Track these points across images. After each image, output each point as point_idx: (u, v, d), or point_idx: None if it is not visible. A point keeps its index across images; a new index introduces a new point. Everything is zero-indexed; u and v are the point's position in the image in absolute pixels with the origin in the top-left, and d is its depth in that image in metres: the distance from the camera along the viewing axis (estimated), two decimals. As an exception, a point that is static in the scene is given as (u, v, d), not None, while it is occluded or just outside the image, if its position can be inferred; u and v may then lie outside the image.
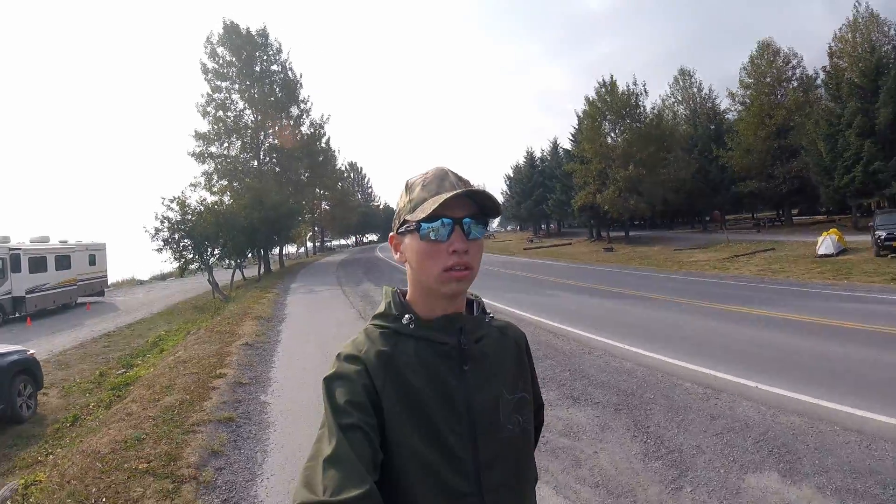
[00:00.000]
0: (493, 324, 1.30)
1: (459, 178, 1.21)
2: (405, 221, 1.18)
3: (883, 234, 21.07)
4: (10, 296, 20.50)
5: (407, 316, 1.19)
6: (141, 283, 39.59)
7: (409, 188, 1.22)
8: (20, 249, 21.38)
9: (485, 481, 1.13)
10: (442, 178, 1.19)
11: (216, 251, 25.22)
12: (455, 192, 1.11)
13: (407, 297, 1.25)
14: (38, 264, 22.28)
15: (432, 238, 1.13)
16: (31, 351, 9.23)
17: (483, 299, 1.33)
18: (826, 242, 23.33)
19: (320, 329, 12.11)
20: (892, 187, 30.29)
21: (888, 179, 30.26)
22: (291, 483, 4.50)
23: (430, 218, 1.12)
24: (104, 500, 4.30)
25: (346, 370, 1.11)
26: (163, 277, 42.00)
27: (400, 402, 1.10)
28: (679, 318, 10.93)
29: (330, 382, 1.11)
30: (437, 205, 1.09)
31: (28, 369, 8.79)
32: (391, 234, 1.27)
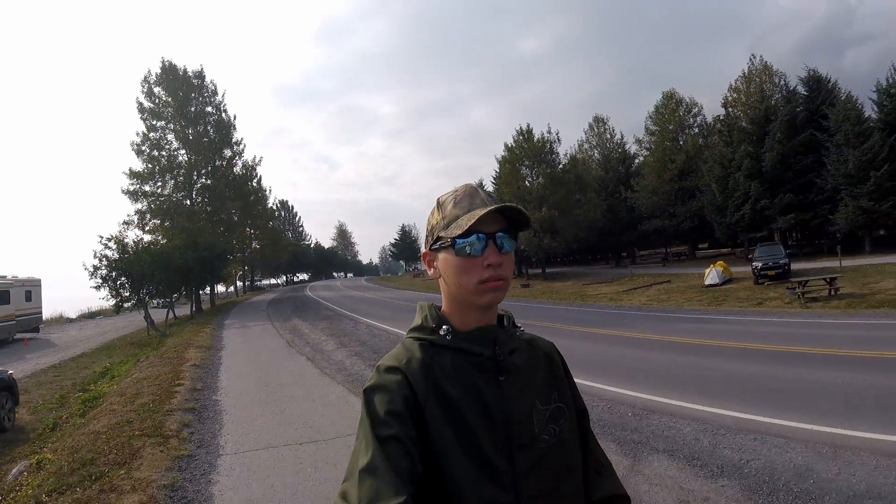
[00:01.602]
0: (522, 336, 1.35)
1: (489, 195, 1.28)
2: (439, 238, 1.24)
3: (759, 264, 24.60)
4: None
5: (444, 327, 1.24)
6: (70, 320, 40.08)
7: (441, 206, 1.27)
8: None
9: (523, 491, 1.17)
10: (472, 195, 1.25)
11: (152, 289, 27.06)
12: (489, 208, 1.17)
13: (442, 310, 1.30)
14: None
15: (468, 252, 1.18)
16: (10, 371, 11.38)
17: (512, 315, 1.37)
18: (712, 274, 26.87)
19: (255, 354, 14.75)
20: (778, 222, 34.93)
21: (774, 215, 34.97)
22: (240, 438, 7.12)
23: (466, 234, 1.17)
24: (114, 452, 6.76)
25: (387, 381, 1.14)
26: (91, 315, 42.53)
27: (441, 412, 1.14)
28: (569, 343, 13.35)
29: (370, 393, 1.13)
30: (473, 220, 1.15)
31: (8, 387, 10.80)
32: (423, 251, 1.34)
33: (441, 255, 1.24)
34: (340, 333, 17.49)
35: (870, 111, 34.29)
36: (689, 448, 5.82)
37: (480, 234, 1.17)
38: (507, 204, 1.18)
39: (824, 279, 19.67)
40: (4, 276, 26.65)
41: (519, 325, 1.36)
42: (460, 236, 1.17)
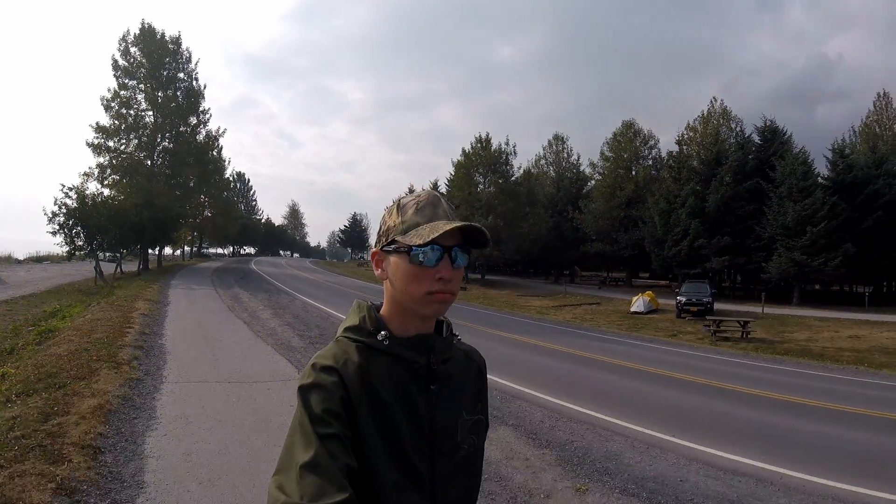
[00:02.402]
0: (459, 347, 1.39)
1: (450, 205, 1.30)
2: (394, 241, 1.23)
3: (683, 299, 26.53)
4: None
5: (382, 332, 1.23)
6: (18, 261, 40.44)
7: (401, 209, 1.26)
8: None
9: (439, 497, 1.22)
10: (435, 204, 1.26)
11: (104, 242, 28.16)
12: (456, 225, 1.18)
13: (381, 312, 1.30)
14: None
15: (420, 261, 1.18)
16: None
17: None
18: (639, 302, 28.92)
19: (198, 312, 16.47)
20: (712, 262, 36.81)
21: (709, 255, 36.84)
22: (180, 372, 8.85)
23: (423, 244, 1.17)
24: (75, 370, 8.37)
25: (323, 380, 1.14)
26: (38, 260, 42.84)
27: (372, 416, 1.15)
28: (477, 341, 15.76)
29: (306, 391, 1.13)
30: (437, 234, 1.15)
31: (-30, 312, 12.36)
32: (373, 249, 1.33)
33: (392, 259, 1.24)
34: (277, 306, 19.21)
35: (824, 168, 36.80)
36: (533, 426, 7.57)
37: (437, 246, 1.17)
38: (473, 224, 1.21)
39: (738, 322, 21.00)
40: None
41: (457, 333, 1.39)
42: (418, 245, 1.17)
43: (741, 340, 19.85)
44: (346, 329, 1.28)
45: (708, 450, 7.03)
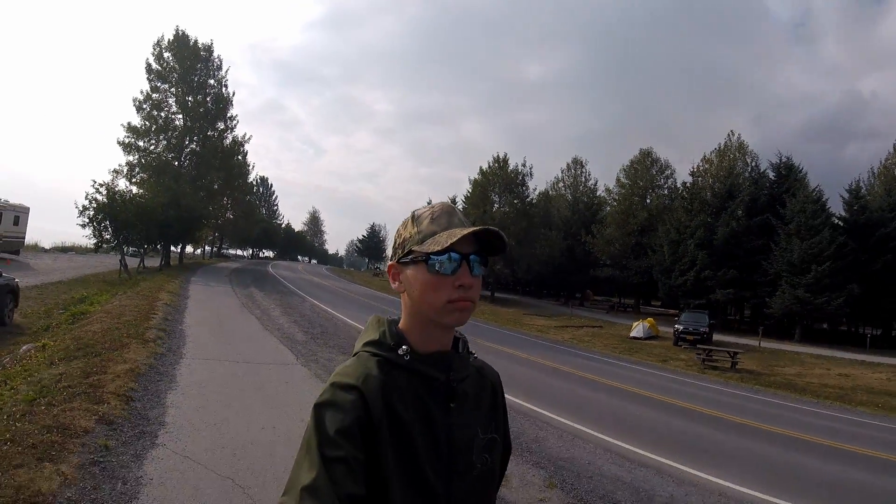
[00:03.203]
0: (474, 363, 1.39)
1: (464, 215, 1.30)
2: (411, 252, 1.24)
3: (680, 328, 27.25)
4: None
5: (403, 347, 1.24)
6: (45, 250, 42.41)
7: (416, 220, 1.28)
8: (-50, 203, 25.31)
9: None
10: (451, 213, 1.27)
11: (131, 237, 30.00)
12: (473, 229, 1.18)
13: (400, 325, 1.30)
14: None
15: (437, 270, 1.19)
16: (17, 279, 14.41)
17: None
18: (639, 328, 29.72)
19: (215, 305, 18.16)
20: (717, 293, 37.31)
21: (714, 287, 37.31)
22: (196, 351, 10.35)
23: (440, 251, 1.18)
24: (108, 343, 9.90)
25: (341, 399, 1.14)
26: (64, 250, 44.75)
27: (392, 435, 1.15)
28: (491, 359, 17.11)
29: (322, 409, 1.13)
30: (454, 239, 1.16)
31: (13, 290, 13.74)
32: (390, 262, 1.33)
33: (410, 270, 1.24)
34: (288, 306, 20.74)
35: (841, 208, 37.29)
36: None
37: (455, 254, 1.18)
38: (490, 227, 1.20)
39: (728, 352, 21.80)
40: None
41: (472, 351, 1.40)
42: (436, 253, 1.18)
43: (728, 370, 20.63)
44: (367, 343, 1.29)
45: (616, 441, 8.54)
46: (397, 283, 1.30)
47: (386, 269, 1.41)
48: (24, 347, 10.52)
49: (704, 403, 13.25)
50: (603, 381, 14.83)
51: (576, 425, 9.21)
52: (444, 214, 1.27)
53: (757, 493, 6.90)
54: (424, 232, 1.24)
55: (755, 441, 10.01)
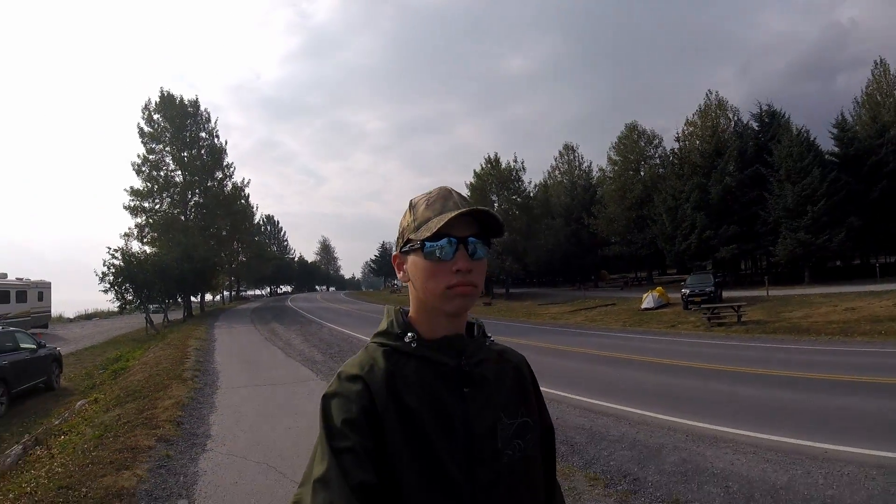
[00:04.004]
0: (492, 347, 1.35)
1: (463, 198, 1.26)
2: (409, 240, 1.23)
3: (687, 291, 27.60)
4: (-22, 323, 26.09)
5: (409, 335, 1.23)
6: (70, 320, 44.46)
7: (413, 207, 1.27)
8: (-10, 284, 27.08)
9: None
10: (446, 197, 1.24)
11: (152, 295, 31.86)
12: (460, 211, 1.16)
13: (409, 315, 1.29)
14: (3, 297, 28.45)
15: (437, 256, 1.17)
16: (59, 348, 16.14)
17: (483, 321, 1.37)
18: (649, 299, 30.02)
19: (240, 344, 19.85)
20: (721, 252, 37.78)
21: (717, 245, 37.79)
22: (229, 382, 11.93)
23: (436, 237, 1.17)
24: (152, 387, 11.49)
25: (346, 389, 1.15)
26: (88, 317, 46.78)
27: (400, 424, 1.13)
28: None
29: (327, 401, 1.14)
30: (442, 223, 1.15)
31: (57, 358, 15.61)
32: (394, 253, 1.33)
33: (410, 259, 1.24)
34: (308, 334, 22.38)
35: (831, 145, 37.65)
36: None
37: (451, 238, 1.17)
38: (479, 207, 1.19)
39: (732, 307, 22.00)
40: (22, 279, 31.24)
41: (489, 335, 1.36)
42: (429, 239, 1.17)
43: (735, 324, 20.95)
44: (376, 335, 1.29)
45: (588, 399, 9.80)
46: (401, 273, 1.30)
47: (392, 261, 1.38)
48: (78, 403, 12.14)
49: (698, 358, 13.75)
50: (602, 354, 15.86)
51: (553, 391, 10.37)
52: (440, 199, 1.25)
53: (701, 424, 8.00)
54: (419, 219, 1.23)
55: (732, 385, 10.68)
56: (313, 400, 9.94)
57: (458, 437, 1.17)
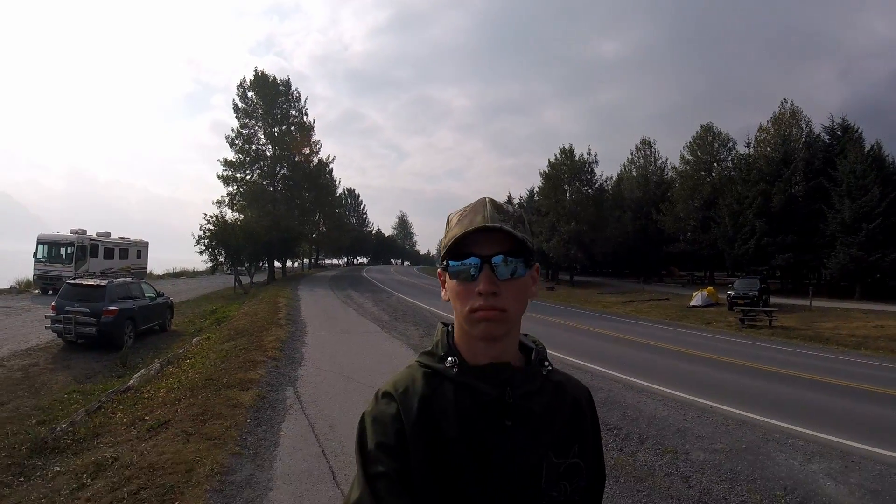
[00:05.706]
0: (550, 377, 1.26)
1: (498, 210, 1.18)
2: (443, 257, 1.19)
3: (732, 293, 29.25)
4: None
5: (451, 359, 1.19)
6: (160, 277, 48.01)
7: (448, 222, 1.23)
8: (99, 241, 31.26)
9: None
10: (476, 211, 1.17)
11: (241, 258, 36.11)
12: (468, 230, 1.12)
13: (454, 337, 1.24)
14: (108, 253, 32.29)
15: (462, 277, 1.14)
16: (171, 298, 19.95)
17: (545, 346, 1.31)
18: (698, 297, 32.02)
19: (321, 304, 23.59)
20: (776, 259, 39.21)
21: (774, 252, 39.07)
22: (314, 329, 15.35)
23: (458, 256, 1.14)
24: (256, 328, 14.97)
25: (382, 411, 1.14)
26: (176, 275, 50.91)
27: (430, 451, 1.10)
28: (545, 329, 21.38)
29: (363, 422, 1.15)
30: (451, 243, 1.13)
31: (170, 306, 19.44)
32: (439, 269, 1.25)
33: (445, 277, 1.20)
34: (378, 300, 25.89)
35: None
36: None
37: (473, 258, 1.12)
38: (492, 224, 1.12)
39: (765, 312, 23.95)
40: (126, 238, 35.27)
41: (547, 363, 1.28)
42: (453, 258, 1.15)
43: (765, 328, 22.52)
44: (421, 353, 1.27)
45: (603, 370, 13.22)
46: (444, 290, 1.24)
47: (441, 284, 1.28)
48: (194, 339, 15.75)
49: (711, 351, 15.85)
50: (630, 339, 18.50)
51: (572, 359, 13.46)
52: (470, 213, 1.18)
53: (690, 397, 10.95)
54: (449, 235, 1.18)
55: (733, 374, 12.58)
56: (376, 343, 13.42)
57: (493, 473, 1.12)
